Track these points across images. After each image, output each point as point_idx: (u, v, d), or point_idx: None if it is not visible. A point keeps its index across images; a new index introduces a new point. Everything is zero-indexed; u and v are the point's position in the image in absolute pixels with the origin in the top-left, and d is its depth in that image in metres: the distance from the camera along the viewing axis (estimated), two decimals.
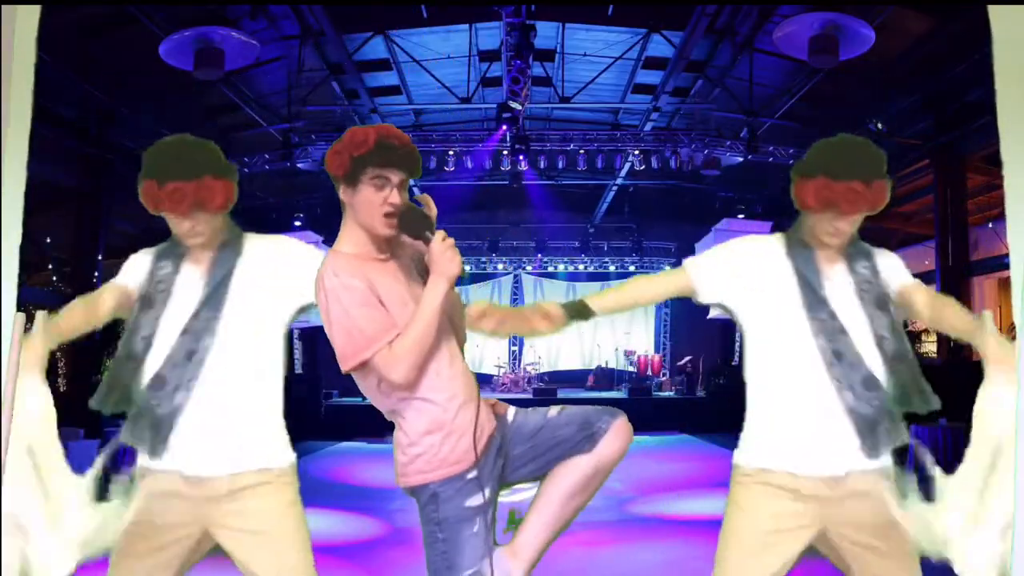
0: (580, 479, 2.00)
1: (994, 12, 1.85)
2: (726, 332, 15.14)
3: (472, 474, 1.90)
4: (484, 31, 11.19)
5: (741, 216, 13.82)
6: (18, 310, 1.79)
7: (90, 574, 2.03)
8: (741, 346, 2.19)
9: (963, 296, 11.97)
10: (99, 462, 2.05)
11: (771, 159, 11.99)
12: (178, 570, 2.04)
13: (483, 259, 17.44)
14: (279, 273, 2.11)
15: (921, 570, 1.98)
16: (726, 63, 11.25)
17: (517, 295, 18.28)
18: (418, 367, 1.87)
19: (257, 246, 2.13)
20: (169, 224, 2.07)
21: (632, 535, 5.67)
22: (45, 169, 9.63)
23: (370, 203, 1.90)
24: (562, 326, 2.13)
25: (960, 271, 11.83)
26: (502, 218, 17.46)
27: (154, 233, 2.26)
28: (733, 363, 14.67)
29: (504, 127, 11.42)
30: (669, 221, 16.77)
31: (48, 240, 12.92)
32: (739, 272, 2.12)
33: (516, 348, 18.67)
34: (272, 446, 2.07)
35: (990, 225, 12.00)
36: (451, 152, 12.44)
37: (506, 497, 2.07)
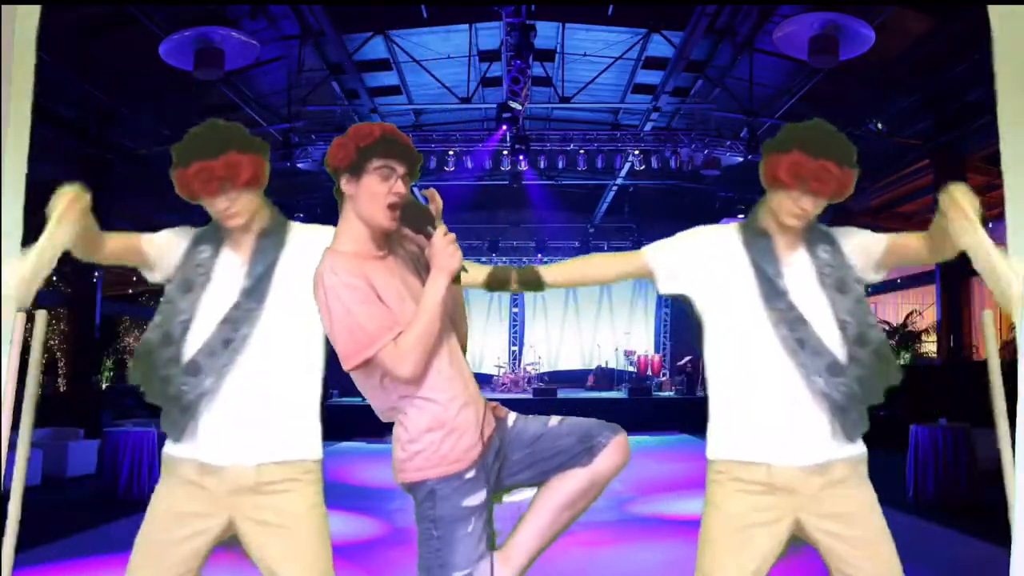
0: (576, 491, 2.00)
1: (994, 12, 1.85)
2: None
3: (471, 474, 1.90)
4: (484, 31, 11.20)
5: (741, 216, 13.73)
6: (18, 310, 1.80)
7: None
8: (699, 337, 2.19)
9: (963, 296, 11.97)
10: None
11: None
12: (202, 563, 2.03)
13: (483, 259, 17.43)
14: None
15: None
16: (726, 63, 11.25)
17: (517, 295, 18.28)
18: (425, 362, 1.87)
19: (302, 236, 2.10)
20: (207, 208, 2.05)
21: (632, 535, 5.68)
22: (45, 169, 9.58)
23: (375, 193, 1.91)
24: (509, 290, 2.26)
25: (960, 271, 11.83)
26: (502, 218, 17.47)
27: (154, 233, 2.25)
28: None
29: (504, 127, 11.43)
30: (669, 221, 16.63)
31: None
32: (697, 264, 2.13)
33: (516, 348, 18.69)
34: (303, 439, 2.05)
35: (990, 225, 11.96)
36: (451, 152, 12.45)
37: (508, 498, 2.07)
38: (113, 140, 10.78)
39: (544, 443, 2.00)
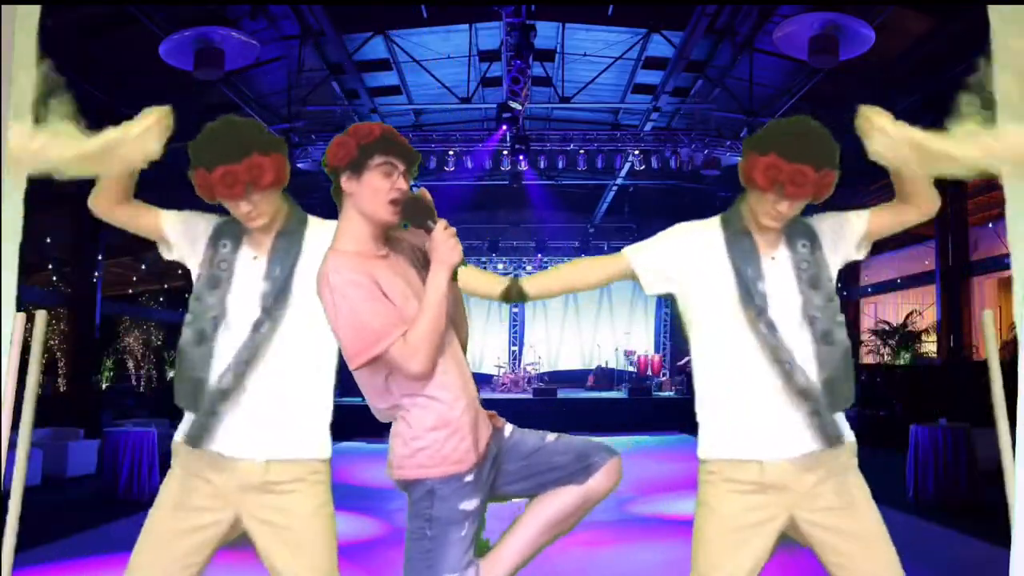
0: (566, 509, 2.02)
1: (994, 12, 1.85)
2: None
3: (470, 477, 1.90)
4: (484, 31, 11.20)
5: None
6: (18, 310, 1.80)
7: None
8: (677, 332, 2.19)
9: (963, 296, 11.97)
10: None
11: None
12: (207, 558, 2.03)
13: (483, 259, 17.45)
14: None
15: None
16: (726, 63, 11.26)
17: None
18: (435, 357, 1.88)
19: (321, 235, 2.10)
20: (229, 209, 2.05)
21: (632, 535, 5.68)
22: None
23: (377, 189, 1.92)
24: (494, 299, 2.28)
25: (960, 271, 11.84)
26: (502, 218, 17.47)
27: None
28: None
29: (504, 127, 11.43)
30: (669, 221, 16.14)
31: (48, 240, 12.93)
32: (678, 263, 2.13)
33: (516, 348, 18.69)
34: (314, 439, 2.08)
35: (990, 225, 12.00)
36: (451, 152, 12.44)
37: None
38: None
39: (540, 457, 2.02)
